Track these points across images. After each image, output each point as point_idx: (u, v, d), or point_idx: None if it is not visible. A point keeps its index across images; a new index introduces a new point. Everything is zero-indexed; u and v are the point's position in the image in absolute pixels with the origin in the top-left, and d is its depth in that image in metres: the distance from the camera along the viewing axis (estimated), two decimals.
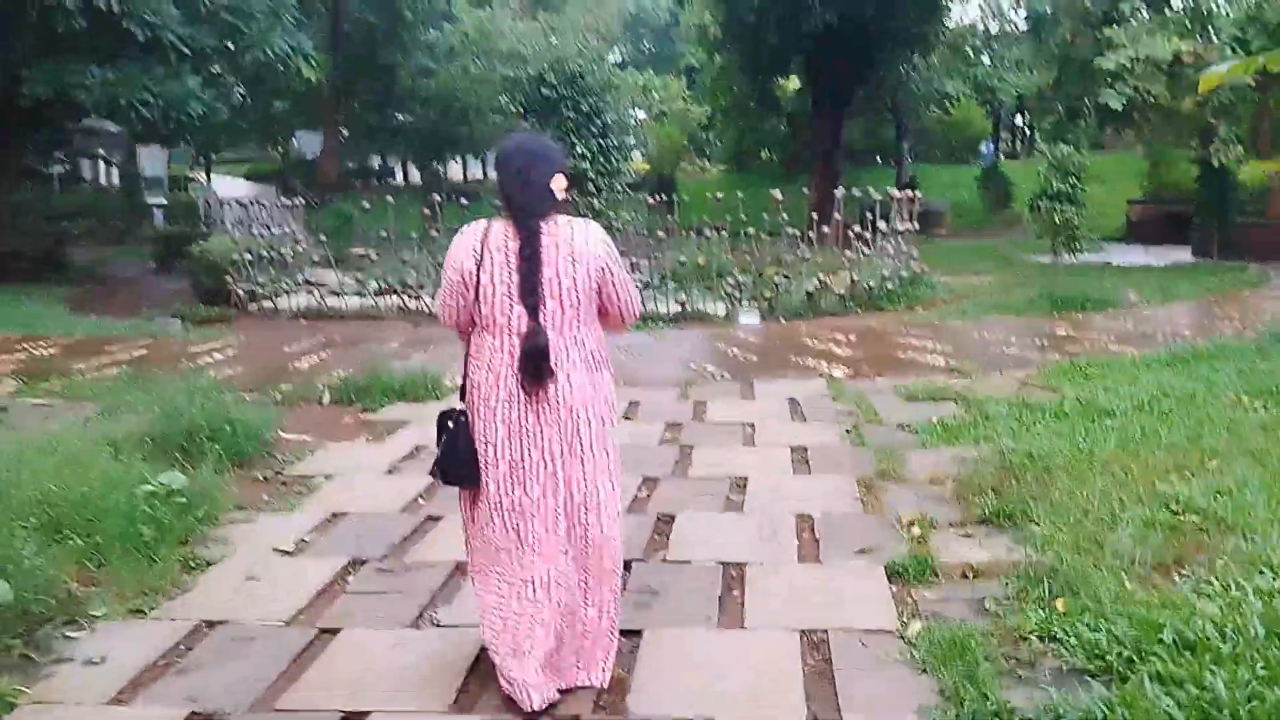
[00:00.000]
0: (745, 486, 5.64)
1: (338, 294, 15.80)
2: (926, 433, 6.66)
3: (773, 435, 6.71)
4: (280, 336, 11.98)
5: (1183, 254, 23.17)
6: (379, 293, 15.40)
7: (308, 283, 15.91)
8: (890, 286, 15.00)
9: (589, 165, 11.27)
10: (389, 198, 16.67)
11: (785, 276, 15.21)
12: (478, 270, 3.32)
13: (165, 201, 33.85)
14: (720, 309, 14.13)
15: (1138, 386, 7.71)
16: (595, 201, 11.62)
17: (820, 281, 14.72)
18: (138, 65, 17.64)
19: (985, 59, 44.02)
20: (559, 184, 3.40)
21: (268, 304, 15.39)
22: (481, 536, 3.49)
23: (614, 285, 3.46)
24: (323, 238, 17.39)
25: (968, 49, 40.42)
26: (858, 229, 15.65)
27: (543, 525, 3.40)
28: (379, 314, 14.87)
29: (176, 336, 11.50)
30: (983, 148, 43.93)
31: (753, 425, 6.98)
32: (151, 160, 40.12)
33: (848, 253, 14.95)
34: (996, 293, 16.24)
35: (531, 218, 3.31)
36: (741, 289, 14.17)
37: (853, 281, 14.66)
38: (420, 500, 5.58)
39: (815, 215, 17.58)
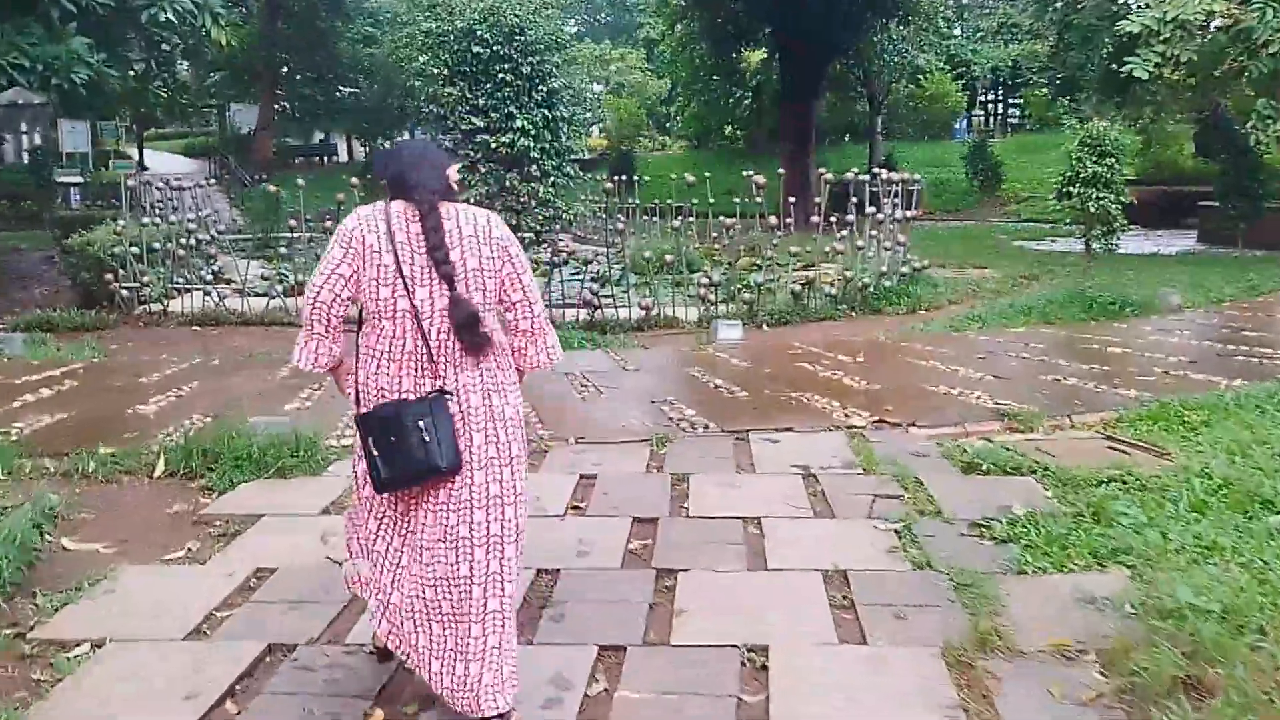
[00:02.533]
0: (766, 672, 3.46)
1: (244, 293, 13.47)
2: (1017, 540, 4.51)
3: (791, 546, 4.52)
4: (150, 356, 9.66)
5: (1187, 240, 21.34)
6: (288, 293, 13.09)
7: (205, 281, 13.56)
8: (887, 284, 12.91)
9: (531, 142, 8.91)
10: (298, 180, 14.25)
11: (760, 268, 13.10)
12: (380, 250, 3.11)
13: (81, 179, 30.97)
14: (691, 313, 11.96)
15: (1272, 446, 5.64)
16: (540, 188, 9.28)
17: (806, 279, 12.59)
18: (9, 24, 15.14)
19: (957, 30, 42.07)
20: (453, 173, 3.35)
21: (157, 307, 13.02)
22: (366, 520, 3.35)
23: (516, 274, 3.25)
24: (219, 229, 15.03)
25: (940, 19, 38.41)
26: (840, 215, 13.59)
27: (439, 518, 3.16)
28: (288, 318, 12.55)
29: (11, 358, 9.14)
30: (957, 124, 42.00)
31: (759, 524, 4.79)
32: (73, 134, 37.28)
33: (835, 244, 12.81)
34: (1007, 290, 14.23)
35: (431, 194, 3.17)
36: (716, 289, 11.99)
37: (845, 279, 12.53)
38: (229, 706, 3.36)
39: (793, 199, 15.41)
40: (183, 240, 14.25)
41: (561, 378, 7.98)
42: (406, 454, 3.06)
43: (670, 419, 6.66)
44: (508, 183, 9.13)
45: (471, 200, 9.22)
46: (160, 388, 7.82)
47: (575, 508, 5.08)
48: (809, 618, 3.83)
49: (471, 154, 9.17)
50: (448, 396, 3.12)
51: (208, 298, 12.84)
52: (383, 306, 3.10)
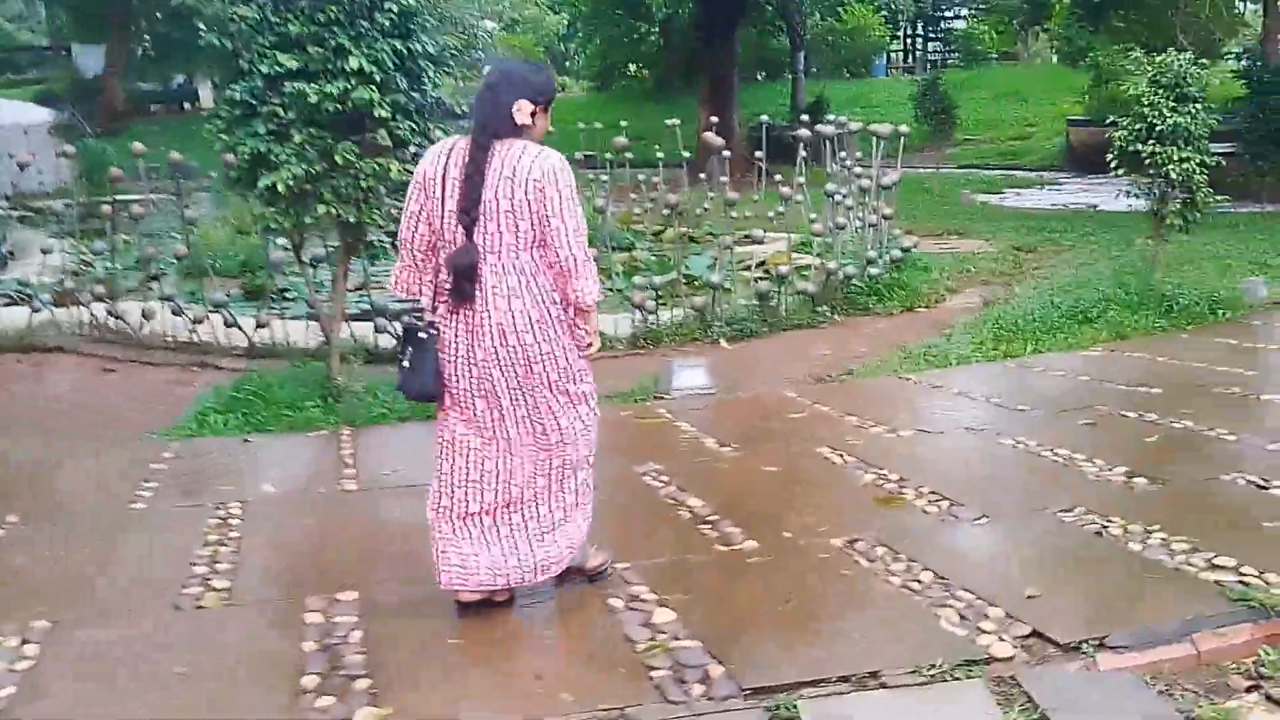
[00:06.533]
0: None
1: (12, 298, 9.82)
2: None
3: None
4: None
5: None
6: (56, 301, 9.47)
7: None
8: (874, 272, 9.77)
9: (375, 93, 5.51)
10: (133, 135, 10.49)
11: (695, 240, 10.03)
12: (438, 183, 3.29)
13: None
14: (622, 327, 8.67)
15: None
16: (392, 165, 5.78)
17: (772, 271, 9.43)
18: None
19: None
20: (522, 108, 3.30)
21: None
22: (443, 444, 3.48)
23: (546, 215, 3.25)
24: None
25: None
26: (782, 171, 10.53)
27: (491, 443, 3.40)
28: (59, 341, 8.95)
29: None
30: (878, 61, 39.03)
31: None
32: None
33: (816, 226, 9.64)
34: (1010, 270, 11.29)
35: (483, 135, 3.25)
36: (657, 294, 8.73)
37: (825, 271, 9.36)
38: None
39: (727, 153, 12.18)
40: None
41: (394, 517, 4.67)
42: (400, 370, 3.43)
43: (628, 640, 3.40)
44: (339, 157, 5.68)
45: (266, 190, 5.77)
46: None
47: None
48: None
49: (280, 113, 5.71)
50: (428, 332, 3.35)
51: None
52: (437, 236, 3.35)
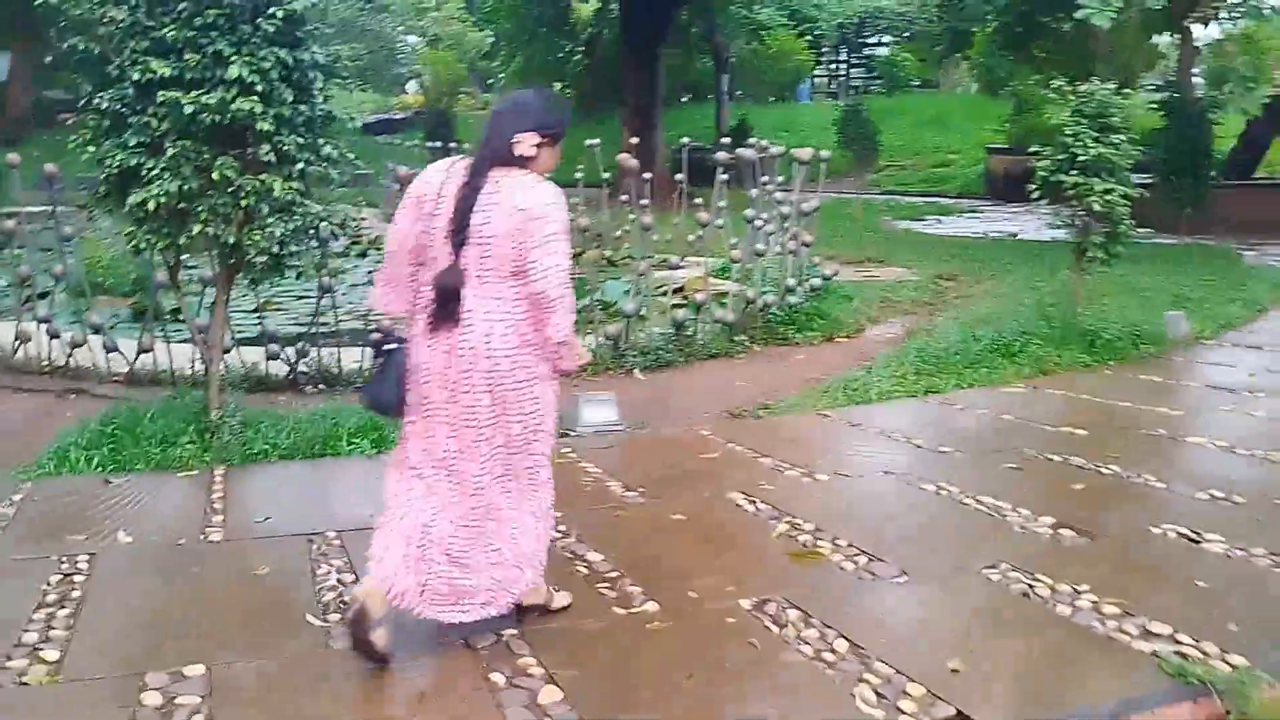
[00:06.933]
0: None
1: None
2: None
3: None
4: None
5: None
6: None
7: None
8: (793, 300, 9.50)
9: (258, 104, 5.07)
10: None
11: (614, 264, 9.70)
12: (432, 201, 3.27)
13: None
14: None
15: None
16: (276, 182, 5.29)
17: (690, 299, 9.12)
18: None
19: None
20: (524, 140, 3.28)
21: None
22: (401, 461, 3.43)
23: (529, 246, 3.16)
24: None
25: None
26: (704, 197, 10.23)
27: (448, 469, 3.33)
28: None
29: None
30: (802, 85, 39.16)
31: None
32: None
33: (735, 252, 9.33)
34: (932, 298, 11.10)
35: (482, 160, 3.26)
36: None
37: (745, 300, 9.07)
38: None
39: (647, 175, 11.84)
40: None
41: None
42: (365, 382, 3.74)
43: None
44: (217, 173, 5.24)
45: (135, 207, 5.29)
46: None
47: None
48: None
49: (152, 124, 5.26)
50: (396, 346, 3.33)
51: None
52: (426, 255, 3.28)
